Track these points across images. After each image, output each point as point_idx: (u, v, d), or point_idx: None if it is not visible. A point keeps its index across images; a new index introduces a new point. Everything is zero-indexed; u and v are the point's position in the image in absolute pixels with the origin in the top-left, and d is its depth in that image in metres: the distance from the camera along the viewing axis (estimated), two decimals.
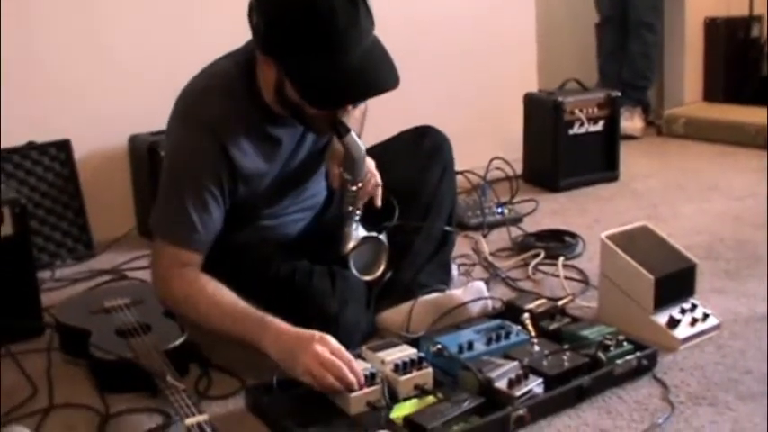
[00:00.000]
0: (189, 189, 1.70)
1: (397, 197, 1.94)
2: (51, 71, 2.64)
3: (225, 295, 1.66)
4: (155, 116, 2.62)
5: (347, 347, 1.65)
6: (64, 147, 2.64)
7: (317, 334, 1.55)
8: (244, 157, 1.74)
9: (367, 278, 1.87)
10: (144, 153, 2.65)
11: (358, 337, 1.77)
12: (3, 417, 1.60)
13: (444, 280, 2.05)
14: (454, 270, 2.20)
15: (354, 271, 1.85)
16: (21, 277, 1.98)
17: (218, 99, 1.72)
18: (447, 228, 2.05)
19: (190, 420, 1.39)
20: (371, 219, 1.91)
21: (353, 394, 1.49)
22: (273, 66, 1.65)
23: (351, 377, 1.49)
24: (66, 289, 2.35)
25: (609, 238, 1.90)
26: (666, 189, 3.15)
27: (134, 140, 2.76)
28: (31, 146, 2.59)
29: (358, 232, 1.88)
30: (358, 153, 1.79)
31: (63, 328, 1.88)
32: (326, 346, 1.53)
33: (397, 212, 1.94)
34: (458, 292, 1.94)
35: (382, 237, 1.90)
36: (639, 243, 1.91)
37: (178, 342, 1.74)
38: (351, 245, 1.86)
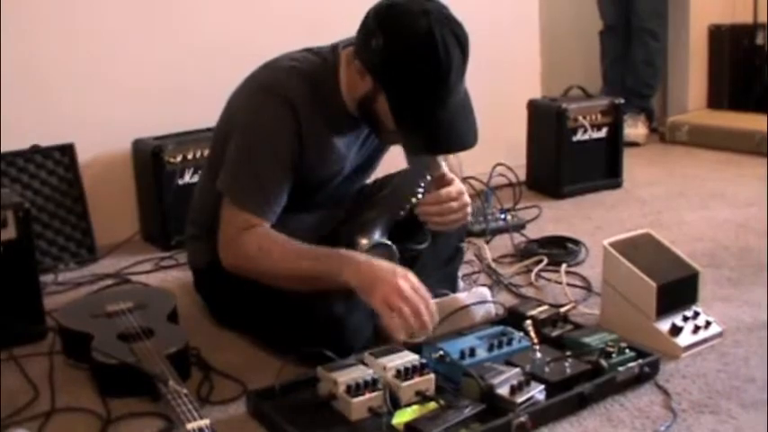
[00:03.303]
0: (266, 159, 1.75)
1: (409, 217, 1.94)
2: (55, 74, 2.64)
3: (297, 242, 1.70)
4: (158, 120, 2.66)
5: (350, 351, 1.65)
6: (67, 150, 2.64)
7: (401, 269, 1.59)
8: (310, 146, 1.78)
9: None
10: (147, 157, 2.65)
11: (362, 342, 1.77)
12: (4, 420, 1.60)
13: (450, 289, 2.04)
14: (460, 282, 2.19)
15: None
16: (23, 281, 1.98)
17: (304, 82, 1.76)
18: (460, 244, 2.05)
19: (191, 425, 1.39)
20: (397, 237, 1.92)
21: (355, 400, 1.49)
22: (371, 82, 1.68)
23: (426, 317, 1.52)
24: (68, 293, 2.35)
25: (612, 245, 1.90)
26: (670, 196, 3.14)
27: (137, 144, 2.76)
28: (34, 149, 2.59)
29: (376, 236, 1.88)
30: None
31: (65, 331, 1.88)
32: (408, 281, 1.55)
33: (428, 240, 1.96)
34: (461, 296, 1.94)
35: (393, 246, 1.89)
36: (642, 250, 1.91)
37: (180, 347, 1.74)
38: (365, 243, 1.86)
